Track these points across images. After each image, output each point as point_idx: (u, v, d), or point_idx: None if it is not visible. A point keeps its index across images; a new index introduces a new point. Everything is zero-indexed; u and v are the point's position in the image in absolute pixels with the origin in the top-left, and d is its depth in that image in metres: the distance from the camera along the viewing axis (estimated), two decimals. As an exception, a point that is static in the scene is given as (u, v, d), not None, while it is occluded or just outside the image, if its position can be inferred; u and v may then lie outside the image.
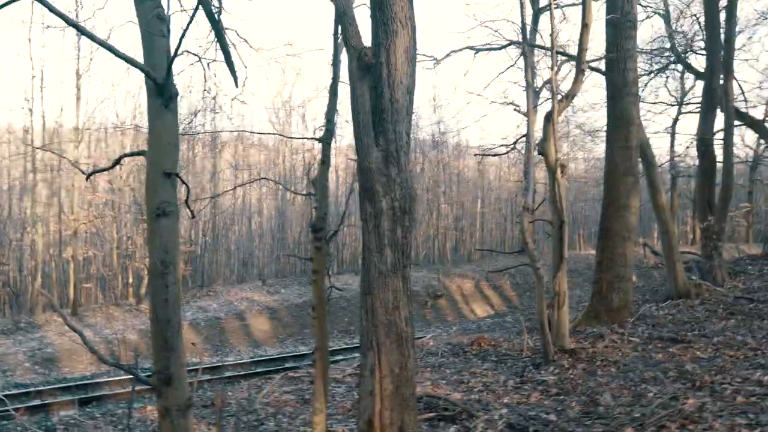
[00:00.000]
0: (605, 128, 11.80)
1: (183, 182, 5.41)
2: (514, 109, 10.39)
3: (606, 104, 11.18)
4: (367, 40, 5.04)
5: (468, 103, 17.19)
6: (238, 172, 26.71)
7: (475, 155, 19.72)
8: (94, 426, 8.21)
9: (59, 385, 11.53)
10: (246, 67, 6.81)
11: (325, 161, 5.77)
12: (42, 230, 22.45)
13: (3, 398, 9.82)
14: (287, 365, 11.72)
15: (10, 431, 8.93)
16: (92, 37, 4.59)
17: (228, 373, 11.24)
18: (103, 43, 4.67)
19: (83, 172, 6.28)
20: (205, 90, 9.42)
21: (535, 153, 9.05)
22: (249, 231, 28.44)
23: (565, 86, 10.28)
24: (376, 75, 4.94)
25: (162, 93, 5.03)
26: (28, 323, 18.55)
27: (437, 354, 9.40)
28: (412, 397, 5.01)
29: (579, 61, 8.62)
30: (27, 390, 11.15)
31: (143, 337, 15.96)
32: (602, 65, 11.51)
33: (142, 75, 3.96)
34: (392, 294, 4.86)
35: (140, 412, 8.24)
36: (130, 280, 21.86)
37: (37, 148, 18.43)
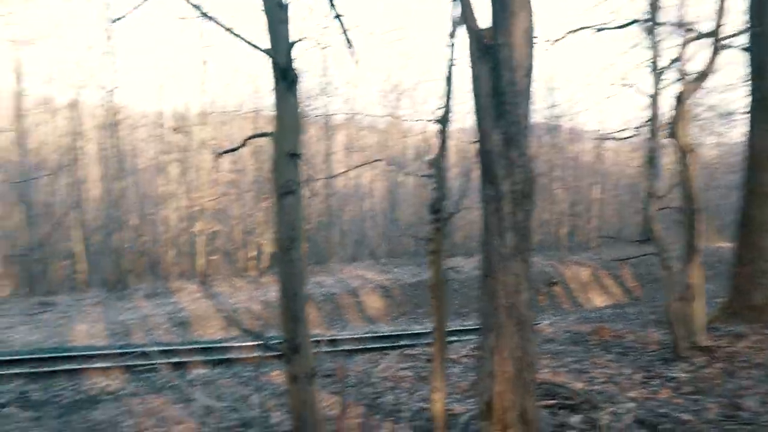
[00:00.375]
0: (742, 110, 10.72)
1: (303, 163, 5.67)
2: (637, 92, 9.75)
3: (747, 84, 10.15)
4: (484, 21, 4.96)
5: (587, 86, 16.27)
6: (351, 154, 27.40)
7: (596, 139, 18.69)
8: (227, 385, 8.90)
9: (192, 346, 12.53)
10: (357, 51, 6.98)
11: (443, 142, 5.78)
12: (174, 206, 24.53)
13: (151, 352, 10.91)
14: (401, 343, 11.95)
15: (155, 382, 9.92)
16: (226, 28, 4.90)
17: (344, 347, 11.67)
18: (233, 32, 4.98)
19: (214, 152, 6.82)
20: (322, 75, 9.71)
21: (661, 137, 8.48)
22: (361, 212, 29.20)
23: (694, 66, 9.44)
24: (496, 57, 4.85)
25: (285, 77, 5.29)
26: (164, 289, 20.42)
27: (556, 341, 9.17)
28: (532, 383, 4.95)
29: (715, 37, 7.89)
30: (167, 348, 12.26)
31: (265, 308, 16.98)
32: (738, 41, 10.40)
33: (262, 60, 4.18)
34: (513, 277, 4.81)
35: (266, 377, 8.81)
36: (252, 254, 23.26)
37: (174, 131, 20.01)
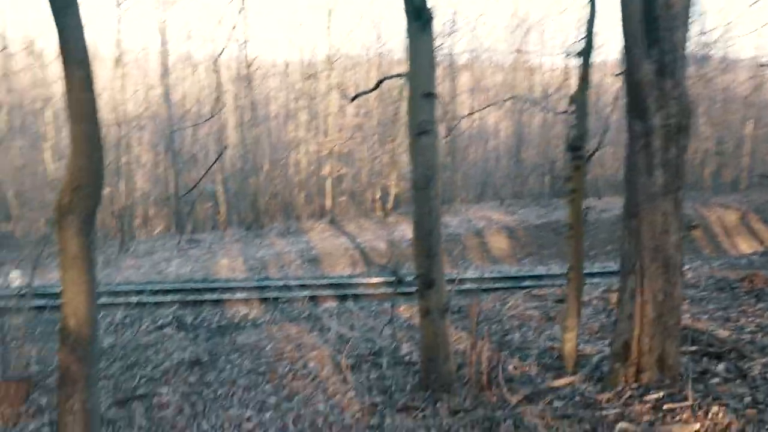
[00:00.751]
0: None
1: (446, 101, 5.64)
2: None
3: None
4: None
5: (747, 6, 14.21)
6: (475, 95, 26.74)
7: (761, 66, 16.55)
8: (356, 317, 9.39)
9: (323, 281, 13.28)
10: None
11: (584, 76, 5.46)
12: (304, 150, 25.62)
13: (291, 285, 11.75)
14: (525, 284, 11.82)
15: (290, 313, 10.71)
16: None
17: (469, 286, 11.76)
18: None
19: (346, 96, 6.99)
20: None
21: None
22: (486, 152, 28.69)
23: None
24: (649, -23, 4.45)
25: (420, 16, 5.23)
26: (296, 229, 21.68)
27: (698, 287, 8.61)
28: (675, 327, 4.75)
29: None
30: (300, 283, 13.11)
31: (390, 247, 17.52)
32: None
33: (388, 4, 4.12)
34: (661, 217, 4.58)
35: (394, 311, 9.14)
36: (378, 195, 23.85)
37: (306, 78, 20.68)
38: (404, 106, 21.87)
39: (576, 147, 5.20)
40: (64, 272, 4.04)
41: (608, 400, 4.36)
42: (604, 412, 4.11)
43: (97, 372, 4.37)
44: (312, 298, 11.66)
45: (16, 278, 14.12)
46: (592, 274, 12.36)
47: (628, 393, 4.42)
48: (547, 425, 4.03)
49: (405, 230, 19.30)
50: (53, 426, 5.04)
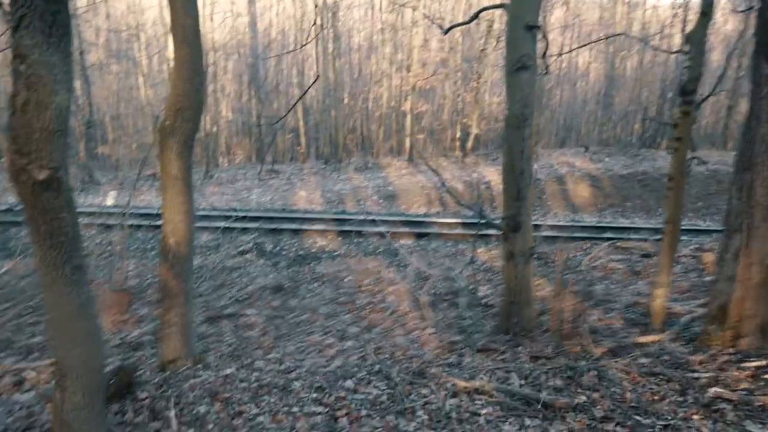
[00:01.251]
0: None
1: (544, 36, 5.29)
2: None
3: None
4: None
5: None
6: (567, 32, 25.20)
7: None
8: (433, 256, 9.42)
9: (398, 218, 13.29)
10: None
11: (706, 12, 4.96)
12: (385, 85, 25.25)
13: (373, 220, 11.88)
14: (607, 235, 11.37)
15: (366, 247, 10.89)
16: None
17: (549, 233, 11.47)
18: None
19: (441, 27, 6.71)
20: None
21: None
22: (573, 95, 27.29)
23: None
24: None
25: (523, -60, 4.84)
26: (374, 164, 21.74)
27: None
28: (783, 293, 4.43)
29: None
30: (379, 218, 13.21)
31: (467, 188, 17.28)
32: None
33: None
34: (780, 173, 4.18)
35: (471, 252, 9.10)
36: (458, 135, 23.39)
37: (398, 4, 20.11)
38: (492, 42, 20.99)
39: (689, 90, 4.79)
40: (165, 193, 4.20)
41: (700, 363, 4.18)
42: (696, 375, 3.95)
43: (192, 288, 4.62)
44: (389, 234, 11.73)
45: (112, 198, 15.10)
46: (682, 230, 11.71)
47: (724, 357, 4.21)
48: (633, 381, 3.91)
49: (483, 172, 18.92)
50: (153, 335, 5.42)
